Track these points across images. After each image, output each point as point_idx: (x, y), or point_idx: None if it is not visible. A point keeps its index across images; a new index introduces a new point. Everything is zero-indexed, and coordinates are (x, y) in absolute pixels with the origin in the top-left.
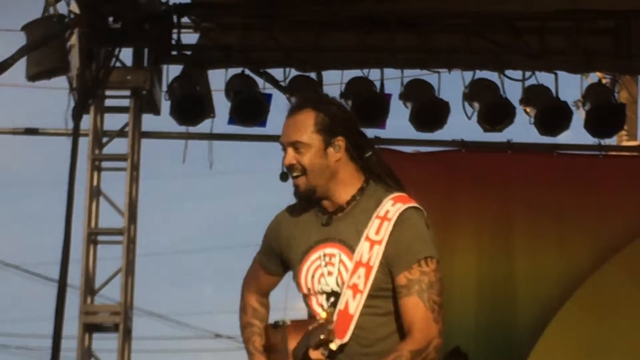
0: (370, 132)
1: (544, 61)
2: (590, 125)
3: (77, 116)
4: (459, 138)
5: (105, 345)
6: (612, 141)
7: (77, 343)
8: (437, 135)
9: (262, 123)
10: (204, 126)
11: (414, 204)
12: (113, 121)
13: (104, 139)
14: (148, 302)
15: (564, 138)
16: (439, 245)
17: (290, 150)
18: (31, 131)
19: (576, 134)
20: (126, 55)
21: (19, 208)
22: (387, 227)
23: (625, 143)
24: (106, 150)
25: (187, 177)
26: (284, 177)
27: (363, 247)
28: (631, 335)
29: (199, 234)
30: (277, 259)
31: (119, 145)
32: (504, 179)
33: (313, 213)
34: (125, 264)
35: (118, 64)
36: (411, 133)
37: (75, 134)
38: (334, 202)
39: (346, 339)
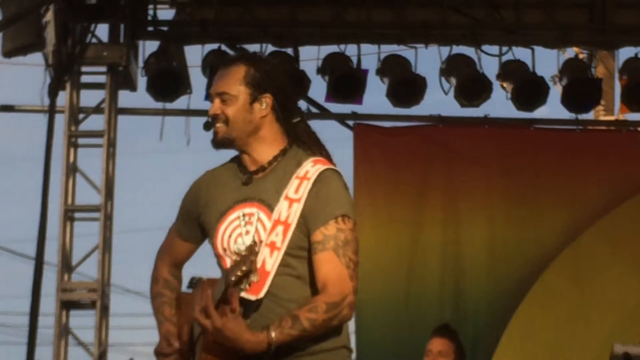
0: (347, 108)
1: (520, 36)
2: (567, 100)
3: (53, 93)
4: (436, 113)
5: (82, 322)
6: (589, 116)
7: (55, 320)
8: (414, 110)
9: None
10: (181, 102)
11: (333, 166)
12: (89, 97)
13: (80, 116)
14: (127, 279)
15: (540, 113)
16: (415, 217)
17: (217, 101)
18: (7, 108)
19: (553, 109)
20: (102, 31)
21: None
22: (306, 186)
23: (602, 118)
24: (82, 126)
25: (165, 154)
26: (207, 126)
27: (282, 205)
28: (609, 302)
29: (176, 211)
30: (194, 224)
31: (95, 122)
32: (481, 153)
33: (233, 174)
34: (102, 241)
35: (94, 40)
36: (388, 108)
37: (52, 110)
38: (255, 160)
39: (261, 295)
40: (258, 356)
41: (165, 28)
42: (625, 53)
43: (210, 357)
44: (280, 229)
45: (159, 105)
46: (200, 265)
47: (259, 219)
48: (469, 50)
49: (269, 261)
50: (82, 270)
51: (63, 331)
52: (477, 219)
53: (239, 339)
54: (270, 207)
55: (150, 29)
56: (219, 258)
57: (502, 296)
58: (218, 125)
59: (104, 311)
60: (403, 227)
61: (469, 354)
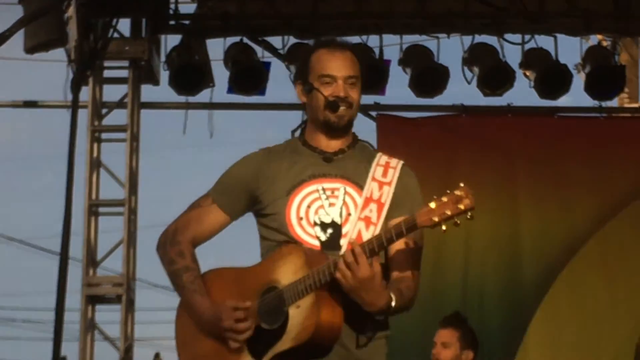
0: (370, 99)
1: (543, 24)
2: (591, 88)
3: (75, 88)
4: (459, 103)
5: (108, 317)
6: (613, 103)
7: (80, 315)
8: (437, 100)
9: (261, 91)
10: (203, 96)
11: None
12: (112, 92)
13: (103, 110)
14: (152, 274)
15: (564, 101)
16: None
17: (342, 83)
18: (30, 104)
19: (576, 97)
20: (124, 26)
21: (20, 182)
22: (394, 173)
23: (626, 105)
24: (106, 121)
25: (188, 148)
26: (334, 106)
27: (372, 185)
28: (636, 291)
29: None
30: (242, 197)
31: (118, 116)
32: (505, 142)
33: (302, 152)
34: (127, 235)
35: (116, 35)
36: (411, 99)
37: (75, 105)
38: (343, 141)
39: None
40: (365, 319)
41: (186, 22)
42: None
43: (334, 311)
44: (373, 206)
45: (182, 99)
46: None
47: (346, 193)
48: (491, 39)
49: (365, 234)
50: (107, 265)
51: (89, 326)
52: (502, 208)
53: (381, 290)
54: (357, 184)
55: (172, 23)
56: (287, 227)
57: (528, 286)
58: (343, 108)
59: (130, 305)
60: None
61: (494, 345)
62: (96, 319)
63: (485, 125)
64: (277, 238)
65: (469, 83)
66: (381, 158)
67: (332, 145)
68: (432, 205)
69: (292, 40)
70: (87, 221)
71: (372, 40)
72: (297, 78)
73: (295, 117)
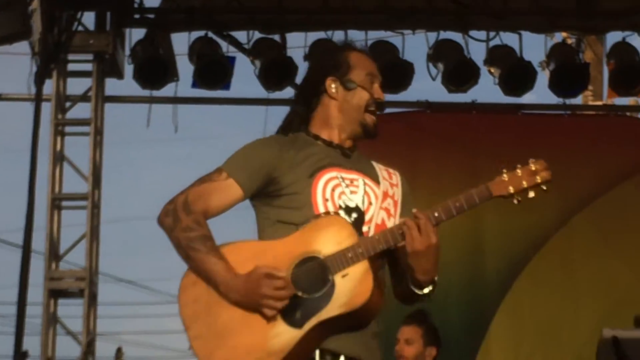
0: None
1: (508, 21)
2: (555, 85)
3: (39, 81)
4: (424, 99)
5: (70, 311)
6: (577, 101)
7: (43, 309)
8: (402, 96)
9: (226, 86)
10: (168, 90)
11: None
12: (76, 85)
13: (67, 104)
14: (116, 268)
15: (528, 98)
16: None
17: (378, 87)
18: None
19: (540, 95)
20: (89, 19)
21: None
22: (397, 178)
23: (591, 103)
24: (69, 115)
25: (152, 142)
26: (382, 106)
27: (385, 183)
28: (598, 287)
29: (164, 199)
30: (260, 176)
31: (82, 110)
32: (469, 138)
33: (314, 144)
34: (90, 229)
35: (80, 28)
36: None
37: (38, 99)
38: (345, 144)
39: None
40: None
41: (151, 16)
42: (613, 38)
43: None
44: (390, 201)
45: (146, 93)
46: None
47: (365, 184)
48: (456, 36)
49: (388, 223)
50: (70, 259)
51: (51, 320)
52: None
53: (437, 262)
54: (374, 179)
55: (137, 16)
56: (311, 207)
57: (491, 282)
58: (378, 113)
59: (92, 300)
60: None
61: (457, 340)
62: (58, 313)
63: (449, 122)
64: (295, 219)
65: (433, 79)
66: (378, 163)
67: (346, 143)
68: (505, 177)
69: (257, 35)
70: (50, 215)
71: (337, 36)
72: (329, 74)
73: (260, 113)
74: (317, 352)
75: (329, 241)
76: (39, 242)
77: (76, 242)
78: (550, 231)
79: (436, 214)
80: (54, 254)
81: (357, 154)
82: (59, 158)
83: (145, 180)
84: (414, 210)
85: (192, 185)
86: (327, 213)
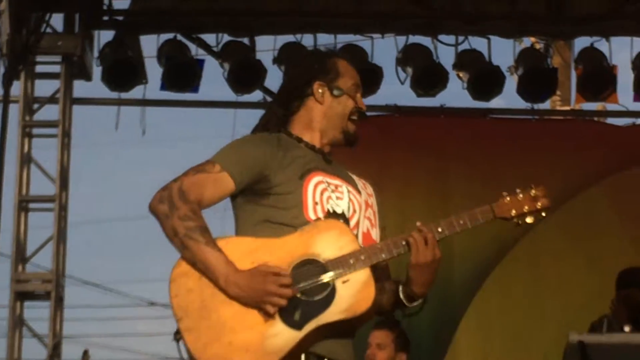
0: None
1: (477, 26)
2: (523, 90)
3: (7, 82)
4: (393, 103)
5: (37, 313)
6: (545, 106)
7: (9, 311)
8: (371, 100)
9: (195, 89)
10: (136, 92)
11: None
12: (44, 87)
13: (35, 106)
14: (83, 271)
15: (496, 103)
16: None
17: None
18: None
19: (508, 99)
20: (57, 20)
21: None
22: (370, 188)
23: (558, 108)
24: (37, 116)
25: (120, 144)
26: (364, 115)
27: (364, 192)
28: (563, 292)
29: (132, 202)
30: (256, 172)
31: (50, 112)
32: (437, 142)
33: (298, 147)
34: (57, 232)
35: (49, 30)
36: None
37: (6, 100)
38: (330, 149)
39: None
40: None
41: (120, 18)
42: (581, 43)
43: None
44: (370, 211)
45: (114, 95)
46: None
47: (349, 191)
48: (425, 40)
49: (372, 232)
50: (36, 261)
51: (17, 322)
52: (434, 208)
53: (434, 277)
54: (355, 188)
55: (106, 18)
56: (302, 208)
57: (459, 285)
58: (359, 122)
59: (59, 302)
60: None
61: (425, 343)
62: (25, 316)
63: (418, 126)
64: (283, 219)
65: (402, 83)
66: (352, 173)
67: (326, 148)
68: (507, 199)
69: (226, 37)
70: (17, 217)
71: (307, 40)
72: (316, 78)
73: (228, 116)
74: (303, 356)
75: (329, 245)
76: (6, 244)
77: (43, 244)
78: (518, 235)
79: (440, 230)
80: (20, 256)
81: (335, 161)
82: (26, 160)
83: (113, 183)
84: (419, 224)
85: (186, 175)
86: (327, 217)
